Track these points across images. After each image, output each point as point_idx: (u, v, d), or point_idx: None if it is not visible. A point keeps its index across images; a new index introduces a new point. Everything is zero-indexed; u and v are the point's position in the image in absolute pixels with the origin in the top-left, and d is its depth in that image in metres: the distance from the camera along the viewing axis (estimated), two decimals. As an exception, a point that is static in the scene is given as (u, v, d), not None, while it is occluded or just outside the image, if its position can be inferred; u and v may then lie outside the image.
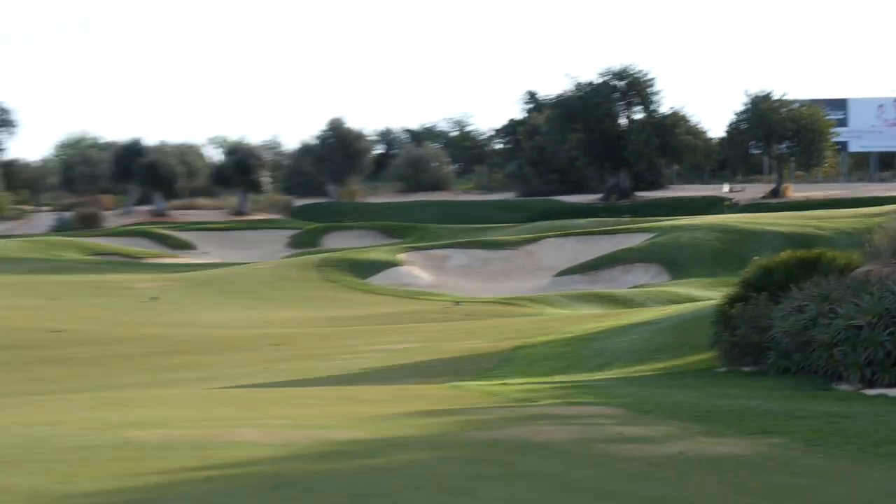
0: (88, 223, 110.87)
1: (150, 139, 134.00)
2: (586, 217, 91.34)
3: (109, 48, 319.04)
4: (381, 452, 12.08)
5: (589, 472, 10.89)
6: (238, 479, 10.61)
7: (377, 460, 11.63)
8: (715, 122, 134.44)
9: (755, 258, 25.75)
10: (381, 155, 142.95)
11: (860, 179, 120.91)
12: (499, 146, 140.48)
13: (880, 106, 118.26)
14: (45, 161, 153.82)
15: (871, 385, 18.72)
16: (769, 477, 10.61)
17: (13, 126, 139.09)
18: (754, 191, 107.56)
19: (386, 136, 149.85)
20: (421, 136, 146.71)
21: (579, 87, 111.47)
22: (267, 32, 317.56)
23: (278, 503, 9.30)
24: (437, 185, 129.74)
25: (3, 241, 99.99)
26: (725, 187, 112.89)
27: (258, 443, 12.52)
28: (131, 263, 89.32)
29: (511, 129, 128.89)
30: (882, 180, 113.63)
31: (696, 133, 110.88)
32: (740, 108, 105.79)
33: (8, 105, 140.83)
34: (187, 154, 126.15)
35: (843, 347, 19.22)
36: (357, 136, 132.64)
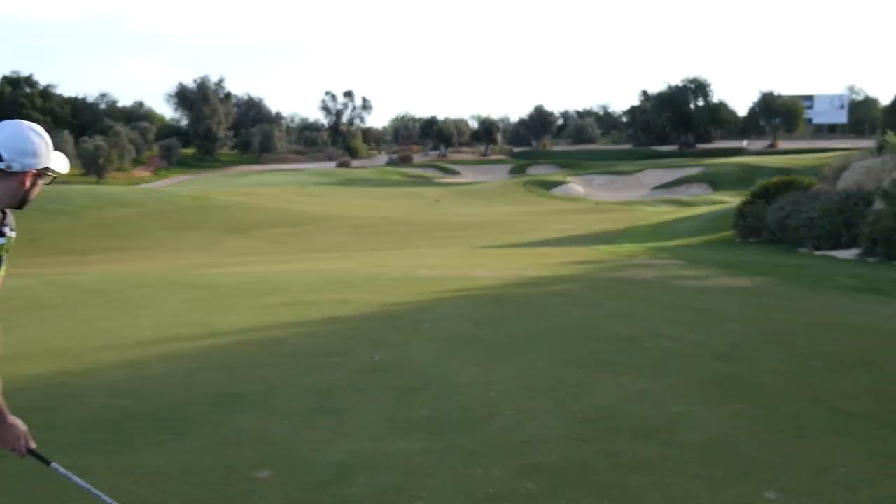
0: (405, 161, 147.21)
1: (440, 114, 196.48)
2: (669, 158, 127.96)
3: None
4: (551, 284, 17.56)
5: (664, 295, 15.90)
6: (476, 297, 15.92)
7: (549, 288, 17.15)
8: (737, 104, 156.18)
9: (759, 181, 35.58)
10: (561, 124, 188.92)
11: (818, 138, 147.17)
12: (625, 119, 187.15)
13: (832, 98, 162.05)
14: (385, 127, 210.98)
15: (817, 249, 25.71)
16: (762, 298, 15.38)
17: (370, 108, 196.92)
18: (759, 144, 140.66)
19: (564, 114, 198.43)
20: (581, 114, 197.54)
21: (669, 87, 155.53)
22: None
23: (496, 309, 14.07)
24: (590, 140, 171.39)
25: (361, 170, 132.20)
26: (744, 142, 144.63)
27: (487, 277, 18.46)
28: (425, 182, 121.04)
29: (632, 110, 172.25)
30: (831, 139, 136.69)
31: (730, 113, 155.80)
32: (755, 98, 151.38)
33: (366, 95, 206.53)
34: (458, 123, 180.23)
35: (803, 229, 27.06)
36: (549, 114, 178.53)
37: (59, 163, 4.02)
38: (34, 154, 3.89)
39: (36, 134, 3.93)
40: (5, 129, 3.90)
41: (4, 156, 3.81)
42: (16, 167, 3.84)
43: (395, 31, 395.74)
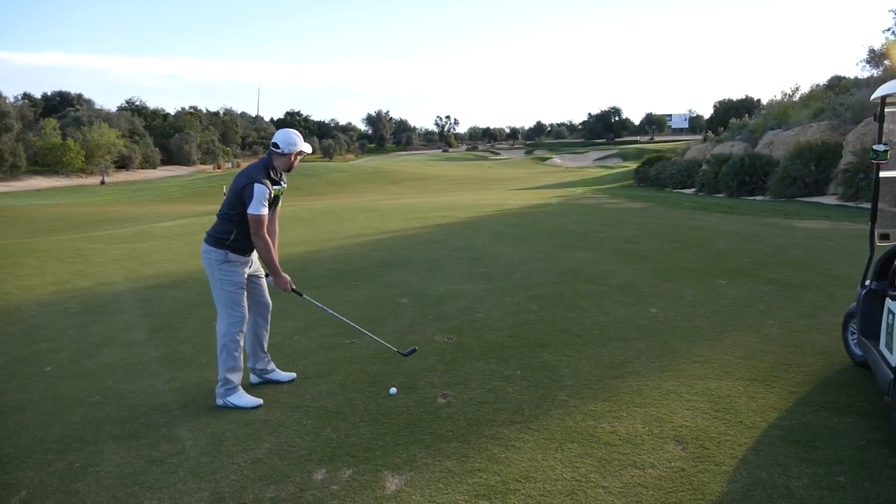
0: (474, 149, 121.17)
1: (490, 125, 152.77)
2: (602, 145, 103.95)
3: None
4: (543, 206, 16.78)
5: (599, 211, 14.97)
6: (507, 213, 15.11)
7: (542, 209, 16.27)
8: (634, 118, 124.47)
9: (645, 156, 34.10)
10: (549, 130, 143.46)
11: (674, 135, 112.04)
12: (580, 126, 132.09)
13: (681, 115, 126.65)
14: (464, 132, 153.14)
15: (674, 189, 23.43)
16: (647, 212, 14.19)
17: (458, 122, 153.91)
18: (645, 138, 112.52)
19: (551, 124, 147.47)
20: (559, 124, 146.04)
21: (601, 111, 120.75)
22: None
23: (518, 219, 13.74)
24: (563, 137, 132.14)
25: (453, 153, 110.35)
26: (638, 137, 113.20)
27: (513, 205, 17.57)
28: (483, 158, 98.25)
29: (584, 122, 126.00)
30: (680, 136, 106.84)
31: (630, 123, 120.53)
32: (643, 115, 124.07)
33: (455, 117, 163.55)
34: (499, 130, 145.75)
35: (667, 179, 25.59)
36: (543, 125, 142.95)
37: (306, 148, 4.21)
38: (295, 144, 4.11)
39: (296, 134, 4.16)
40: (281, 132, 4.15)
41: (281, 145, 4.08)
42: (286, 150, 4.09)
43: (467, 82, 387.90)
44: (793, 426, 3.52)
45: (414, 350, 4.70)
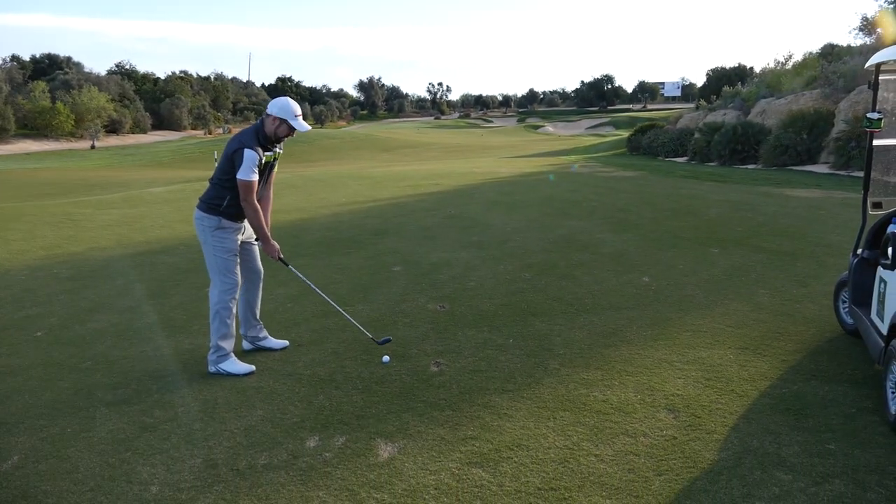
0: (466, 116, 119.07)
1: (483, 92, 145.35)
2: (595, 113, 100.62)
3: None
4: (536, 175, 16.57)
5: (591, 179, 14.76)
6: (500, 181, 14.93)
7: (535, 177, 16.00)
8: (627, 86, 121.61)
9: (638, 124, 33.29)
10: (542, 97, 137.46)
11: (667, 104, 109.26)
12: (573, 94, 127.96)
13: (674, 83, 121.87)
14: (457, 99, 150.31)
15: (667, 157, 23.29)
16: (640, 181, 14.06)
17: (450, 90, 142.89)
18: (637, 106, 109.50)
19: (543, 92, 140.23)
20: (552, 92, 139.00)
21: (594, 78, 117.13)
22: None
23: (510, 187, 13.49)
24: (556, 105, 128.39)
25: (446, 120, 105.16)
26: (631, 106, 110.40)
27: (505, 173, 17.31)
28: (476, 126, 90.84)
29: (577, 90, 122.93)
30: (673, 104, 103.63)
31: (623, 91, 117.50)
32: (636, 83, 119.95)
33: (448, 84, 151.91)
34: (492, 97, 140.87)
35: (660, 147, 25.13)
36: (536, 92, 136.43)
37: (299, 125, 3.99)
38: (285, 111, 3.95)
39: (293, 104, 4.00)
40: (280, 99, 4.01)
41: (271, 109, 3.94)
42: (275, 114, 3.93)
43: (459, 49, 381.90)
44: (784, 394, 3.51)
45: (388, 339, 4.38)
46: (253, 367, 4.06)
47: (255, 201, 3.92)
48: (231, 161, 3.87)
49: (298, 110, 3.98)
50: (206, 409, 3.55)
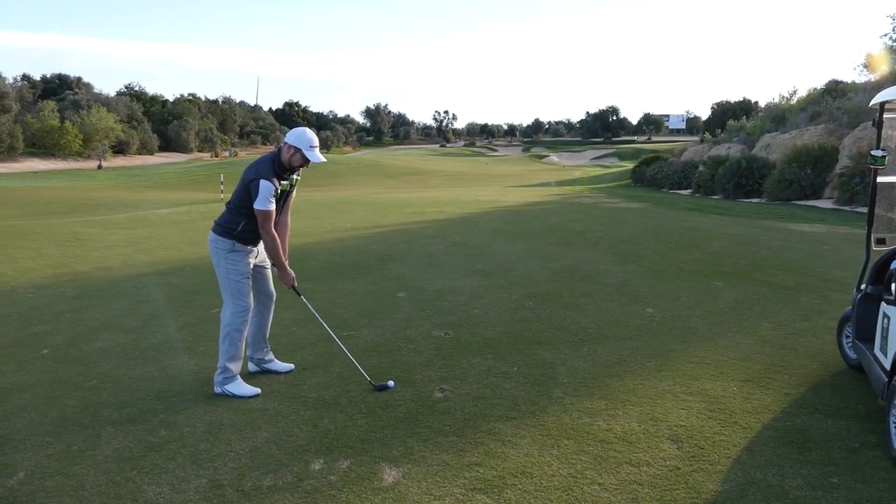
0: (472, 145, 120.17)
1: (489, 121, 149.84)
2: (599, 144, 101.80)
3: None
4: (541, 204, 16.65)
5: (596, 210, 14.90)
6: (505, 210, 15.04)
7: (539, 206, 16.08)
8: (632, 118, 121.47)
9: (642, 156, 33.99)
10: (547, 127, 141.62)
11: (672, 136, 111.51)
12: (578, 125, 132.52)
13: (679, 116, 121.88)
14: (462, 127, 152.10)
15: (671, 189, 23.49)
16: (644, 212, 14.14)
17: (455, 118, 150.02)
18: (642, 138, 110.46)
19: (549, 122, 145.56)
20: (557, 122, 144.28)
21: (599, 110, 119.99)
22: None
23: (515, 216, 13.60)
24: (561, 135, 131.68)
25: (451, 148, 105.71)
26: (636, 137, 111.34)
27: (510, 202, 17.41)
28: (481, 154, 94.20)
29: (582, 121, 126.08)
30: (677, 136, 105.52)
31: (628, 123, 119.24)
32: (640, 116, 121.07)
33: (454, 112, 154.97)
34: (497, 127, 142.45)
35: (664, 179, 25.29)
36: (541, 122, 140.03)
37: (313, 156, 4.05)
38: (301, 141, 4.00)
39: (310, 135, 4.06)
40: (298, 129, 4.10)
41: (288, 138, 4.01)
42: (291, 143, 4.00)
43: (468, 79, 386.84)
44: (787, 427, 3.54)
45: (386, 386, 4.14)
46: (258, 390, 4.10)
47: (273, 230, 3.98)
48: (247, 190, 3.93)
49: (315, 141, 4.03)
50: (212, 430, 3.58)
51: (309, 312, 4.54)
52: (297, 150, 3.98)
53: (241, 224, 4.02)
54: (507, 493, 2.93)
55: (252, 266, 4.19)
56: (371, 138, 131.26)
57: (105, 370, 4.56)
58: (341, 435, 3.51)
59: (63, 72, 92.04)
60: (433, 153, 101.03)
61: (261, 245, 4.20)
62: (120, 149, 67.59)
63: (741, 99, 57.68)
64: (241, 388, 4.08)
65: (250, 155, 74.41)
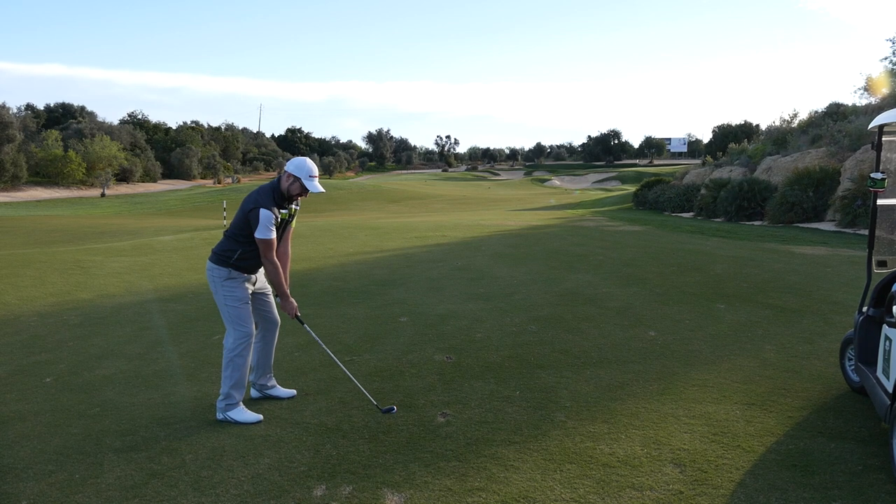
0: (474, 169, 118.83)
1: (491, 146, 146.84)
2: (601, 168, 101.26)
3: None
4: (543, 228, 16.74)
5: (598, 233, 15.01)
6: (507, 234, 15.29)
7: (542, 230, 16.24)
8: (634, 141, 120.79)
9: (644, 179, 34.16)
10: (549, 151, 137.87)
11: (673, 159, 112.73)
12: (580, 149, 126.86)
13: (680, 139, 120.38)
14: (464, 152, 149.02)
15: (673, 213, 23.50)
16: (646, 235, 14.24)
17: (458, 143, 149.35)
18: (644, 161, 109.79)
19: (550, 146, 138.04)
20: (559, 146, 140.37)
21: (601, 133, 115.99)
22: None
23: (517, 240, 13.65)
24: (563, 159, 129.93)
25: (453, 172, 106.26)
26: (637, 160, 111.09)
27: (512, 226, 17.51)
28: (484, 179, 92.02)
29: (584, 144, 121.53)
30: (679, 159, 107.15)
31: (630, 146, 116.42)
32: (642, 139, 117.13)
33: (455, 136, 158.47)
34: (499, 151, 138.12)
35: (666, 202, 25.58)
36: (543, 147, 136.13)
37: (313, 186, 4.12)
38: (301, 170, 4.08)
39: (311, 165, 4.13)
40: (298, 159, 4.13)
41: (288, 168, 4.09)
42: (291, 173, 4.08)
43: (469, 107, 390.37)
44: (790, 451, 3.54)
45: (392, 409, 4.20)
46: (260, 417, 4.12)
47: (275, 258, 4.04)
48: (247, 219, 3.99)
49: (315, 171, 4.11)
50: (214, 457, 3.60)
51: (311, 338, 4.58)
52: (297, 179, 4.05)
53: (237, 252, 4.07)
54: (509, 519, 2.94)
55: (251, 292, 4.24)
56: (373, 163, 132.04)
57: (108, 398, 4.59)
58: (343, 460, 3.52)
59: (67, 101, 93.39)
60: (435, 178, 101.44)
61: (260, 272, 4.26)
62: (123, 176, 68.17)
63: (742, 122, 57.95)
64: (243, 414, 4.10)
65: (253, 182, 74.99)
